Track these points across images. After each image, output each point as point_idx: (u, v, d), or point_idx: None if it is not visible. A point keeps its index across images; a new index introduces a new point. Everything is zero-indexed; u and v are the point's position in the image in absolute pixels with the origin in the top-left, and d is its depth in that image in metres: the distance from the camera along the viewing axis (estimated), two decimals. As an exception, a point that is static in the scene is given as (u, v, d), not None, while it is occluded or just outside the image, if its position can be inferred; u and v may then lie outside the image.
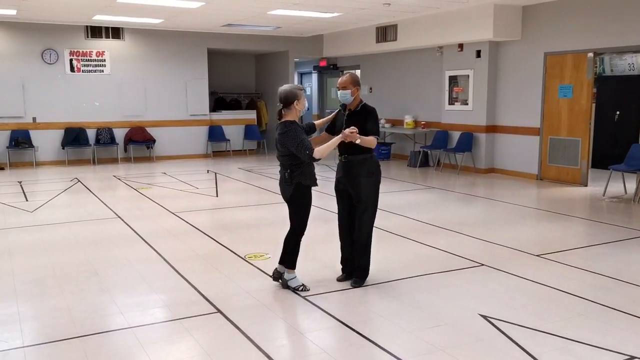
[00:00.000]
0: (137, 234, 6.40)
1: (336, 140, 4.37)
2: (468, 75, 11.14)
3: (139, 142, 13.14)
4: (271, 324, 3.97)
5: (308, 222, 4.53)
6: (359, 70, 14.94)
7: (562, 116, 9.71)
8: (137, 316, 4.03)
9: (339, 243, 4.83)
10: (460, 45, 11.19)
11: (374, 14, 10.93)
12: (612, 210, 7.79)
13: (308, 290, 4.48)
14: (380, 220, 6.99)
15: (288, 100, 4.32)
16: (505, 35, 10.13)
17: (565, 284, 4.65)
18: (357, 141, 4.29)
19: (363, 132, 4.35)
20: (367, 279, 4.74)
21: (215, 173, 11.33)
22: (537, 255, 5.52)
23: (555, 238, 6.31)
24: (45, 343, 3.61)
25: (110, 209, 7.77)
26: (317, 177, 4.54)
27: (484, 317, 3.98)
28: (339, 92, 4.54)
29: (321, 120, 4.93)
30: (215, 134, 14.20)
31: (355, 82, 4.50)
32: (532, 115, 10.23)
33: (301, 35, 14.47)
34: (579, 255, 5.59)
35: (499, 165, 11.01)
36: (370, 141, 4.38)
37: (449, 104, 11.65)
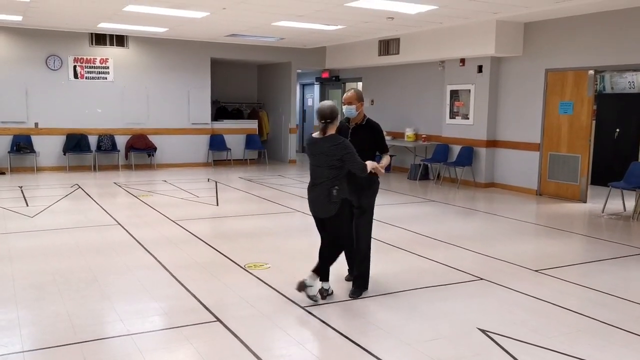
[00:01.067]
0: (137, 242, 6.41)
1: (385, 162, 4.68)
2: (469, 90, 11.21)
3: (141, 149, 13.17)
4: (270, 333, 3.98)
5: (316, 232, 4.68)
6: (361, 83, 15.04)
7: (562, 132, 9.77)
8: (136, 323, 4.04)
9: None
10: (462, 60, 11.27)
11: (377, 27, 11.02)
12: (611, 227, 7.82)
13: (316, 302, 4.50)
14: (380, 232, 7.03)
15: (334, 115, 4.41)
16: (507, 51, 10.21)
17: (563, 300, 4.67)
18: (382, 171, 4.58)
19: (370, 144, 4.68)
20: (367, 289, 4.75)
21: (216, 182, 11.35)
22: (535, 271, 5.53)
23: (554, 254, 6.33)
24: (45, 348, 3.62)
25: (111, 216, 7.79)
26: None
27: (483, 331, 3.99)
28: (344, 107, 4.72)
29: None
30: (217, 142, 14.24)
31: (359, 98, 4.71)
32: (532, 131, 10.28)
33: (304, 47, 14.57)
34: (577, 272, 5.61)
35: (499, 180, 11.05)
36: (388, 161, 4.74)
37: (450, 117, 11.71)
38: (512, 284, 5.06)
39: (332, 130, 4.42)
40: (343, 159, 4.32)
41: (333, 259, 4.59)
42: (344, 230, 4.55)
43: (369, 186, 4.68)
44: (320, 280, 4.57)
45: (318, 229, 4.64)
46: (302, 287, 4.46)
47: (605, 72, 11.13)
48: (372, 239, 4.85)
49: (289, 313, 4.33)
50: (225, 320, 4.11)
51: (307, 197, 4.58)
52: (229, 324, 4.04)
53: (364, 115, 4.76)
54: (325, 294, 4.59)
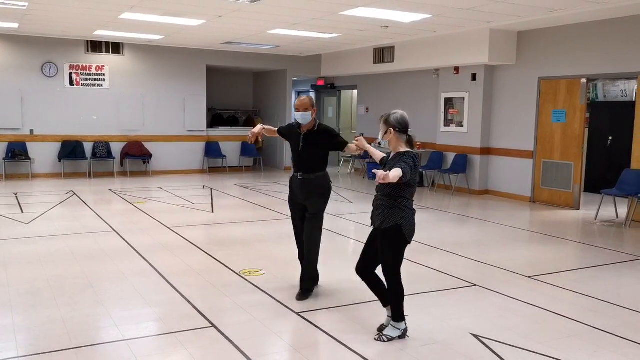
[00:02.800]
0: (133, 248, 6.42)
1: (374, 150, 4.30)
2: (463, 98, 11.29)
3: (136, 156, 13.18)
4: (265, 339, 4.00)
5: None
6: (356, 91, 15.12)
7: (556, 140, 9.84)
8: (131, 329, 4.05)
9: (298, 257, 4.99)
10: (456, 68, 11.35)
11: (372, 35, 11.10)
12: (603, 234, 7.87)
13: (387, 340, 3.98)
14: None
15: (405, 127, 3.99)
16: (501, 59, 10.30)
17: (556, 306, 4.70)
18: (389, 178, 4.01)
19: (325, 148, 4.73)
20: (362, 296, 4.78)
21: (211, 189, 11.37)
22: (529, 277, 5.57)
23: (547, 260, 6.37)
24: (40, 354, 3.63)
25: (106, 223, 7.80)
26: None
27: (476, 336, 4.02)
28: (299, 114, 4.67)
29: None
30: (212, 150, 14.27)
31: (314, 104, 4.75)
32: (526, 139, 10.35)
33: (299, 55, 14.64)
34: (570, 278, 5.65)
35: (493, 187, 11.11)
36: (378, 154, 4.33)
37: (445, 125, 11.78)
38: (506, 290, 5.09)
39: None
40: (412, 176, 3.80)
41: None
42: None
43: (323, 192, 4.77)
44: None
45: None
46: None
47: (598, 80, 11.23)
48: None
49: (283, 319, 4.35)
50: (220, 326, 4.13)
51: (411, 222, 3.91)
52: (224, 330, 4.06)
53: (315, 120, 4.76)
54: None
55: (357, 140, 4.36)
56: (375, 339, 3.93)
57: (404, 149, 3.92)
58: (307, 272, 4.81)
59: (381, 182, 3.55)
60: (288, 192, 5.01)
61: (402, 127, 3.91)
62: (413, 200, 3.94)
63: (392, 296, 3.99)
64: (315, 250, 4.82)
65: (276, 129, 5.19)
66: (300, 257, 4.96)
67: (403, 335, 3.96)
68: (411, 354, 3.70)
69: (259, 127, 5.07)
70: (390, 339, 3.92)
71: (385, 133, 3.94)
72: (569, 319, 4.42)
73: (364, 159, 13.88)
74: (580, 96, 9.42)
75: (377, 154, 4.24)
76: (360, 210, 8.91)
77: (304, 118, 4.69)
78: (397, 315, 3.96)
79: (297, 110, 4.70)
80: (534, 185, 10.28)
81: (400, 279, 3.97)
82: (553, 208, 9.76)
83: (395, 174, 3.58)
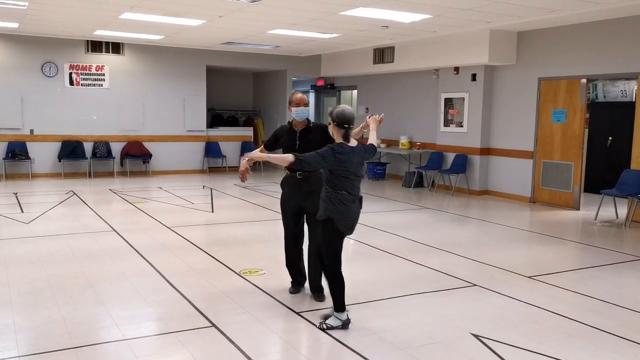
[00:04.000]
0: (133, 248, 6.43)
1: (373, 134, 4.43)
2: (463, 98, 11.30)
3: (136, 156, 13.18)
4: (265, 339, 4.00)
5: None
6: (356, 91, 15.12)
7: (556, 140, 9.85)
8: (132, 329, 4.06)
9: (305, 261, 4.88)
10: (456, 69, 11.36)
11: (372, 35, 11.11)
12: (603, 234, 7.88)
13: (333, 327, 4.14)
14: (374, 238, 7.08)
15: (352, 121, 4.17)
16: (501, 59, 10.30)
17: (556, 306, 4.71)
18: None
19: (320, 145, 4.31)
20: (363, 296, 4.79)
21: (211, 189, 11.37)
22: (529, 277, 5.58)
23: (547, 260, 6.38)
24: (40, 353, 3.63)
25: (106, 222, 7.80)
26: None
27: (476, 336, 4.02)
28: (298, 109, 4.62)
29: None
30: (212, 150, 14.27)
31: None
32: (525, 139, 10.36)
33: (299, 55, 14.65)
34: (570, 278, 5.65)
35: (493, 188, 11.12)
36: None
37: (444, 125, 11.78)
38: (506, 290, 5.10)
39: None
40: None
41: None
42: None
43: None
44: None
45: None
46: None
47: (598, 80, 11.24)
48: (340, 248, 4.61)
49: (283, 319, 4.35)
50: (221, 326, 4.13)
51: (345, 215, 4.07)
52: (224, 330, 4.06)
53: (307, 118, 4.72)
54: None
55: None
56: (317, 327, 4.10)
57: (339, 141, 4.13)
58: (318, 275, 4.69)
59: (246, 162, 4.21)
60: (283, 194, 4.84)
61: (339, 121, 4.11)
62: (353, 194, 4.10)
63: (331, 286, 4.14)
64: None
65: (261, 148, 4.90)
66: (289, 263, 4.89)
67: (345, 325, 4.07)
68: (412, 354, 3.71)
69: (244, 163, 4.62)
70: (330, 328, 4.05)
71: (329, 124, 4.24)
72: (569, 319, 4.43)
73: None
74: (580, 96, 9.43)
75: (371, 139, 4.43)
76: (362, 210, 8.88)
77: (303, 113, 4.65)
78: (338, 305, 4.10)
79: (297, 105, 4.64)
80: (533, 185, 10.29)
81: (339, 269, 4.13)
82: (553, 208, 9.77)
83: (279, 156, 4.15)
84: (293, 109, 4.68)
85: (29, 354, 3.62)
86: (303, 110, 4.66)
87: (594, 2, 7.66)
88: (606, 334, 4.13)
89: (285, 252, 4.91)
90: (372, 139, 4.39)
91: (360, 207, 4.23)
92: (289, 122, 4.80)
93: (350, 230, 4.16)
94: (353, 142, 4.17)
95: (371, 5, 8.15)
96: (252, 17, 9.24)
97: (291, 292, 4.89)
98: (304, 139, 4.65)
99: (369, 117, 4.49)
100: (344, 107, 4.24)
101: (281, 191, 4.90)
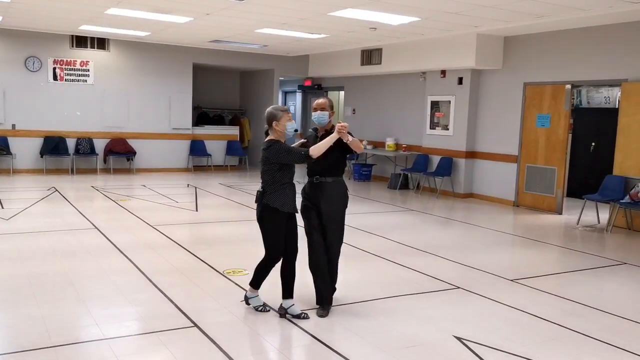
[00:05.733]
0: (115, 246, 6.35)
1: (331, 138, 4.31)
2: (450, 101, 11.35)
3: (120, 153, 13.05)
4: (248, 339, 3.98)
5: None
6: (343, 92, 15.13)
7: (540, 145, 9.93)
8: (112, 328, 4.00)
9: (316, 271, 4.53)
10: (443, 72, 11.41)
11: (360, 37, 11.11)
12: (585, 239, 7.95)
13: (268, 310, 4.40)
14: (359, 240, 7.08)
15: (268, 120, 4.31)
16: (487, 64, 10.37)
17: (538, 309, 4.74)
18: (349, 140, 4.34)
19: (340, 151, 4.44)
20: (346, 297, 4.79)
21: (196, 188, 11.30)
22: (511, 280, 5.61)
23: (530, 264, 6.42)
24: (19, 352, 3.57)
25: (88, 220, 7.71)
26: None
27: (459, 338, 4.03)
28: (316, 114, 4.53)
29: (296, 144, 4.73)
30: (197, 148, 14.18)
31: (332, 106, 4.60)
32: (510, 143, 10.43)
33: (287, 55, 14.61)
34: (552, 282, 5.70)
35: (477, 191, 11.18)
36: (357, 143, 4.43)
37: (430, 128, 11.83)
38: (489, 293, 5.12)
39: (271, 136, 4.31)
40: (277, 160, 4.20)
41: (257, 268, 4.42)
42: (267, 241, 4.35)
43: (340, 198, 4.56)
44: (283, 297, 4.39)
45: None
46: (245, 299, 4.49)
47: (582, 86, 11.35)
48: (341, 248, 4.67)
49: (267, 319, 4.33)
50: (203, 326, 4.09)
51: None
52: (207, 330, 4.03)
53: (331, 123, 4.61)
54: (283, 312, 4.37)
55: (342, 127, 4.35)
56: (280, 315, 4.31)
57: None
58: (333, 280, 4.60)
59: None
60: (302, 200, 4.62)
61: (267, 121, 4.33)
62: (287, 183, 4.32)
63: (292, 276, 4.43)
64: (337, 259, 4.64)
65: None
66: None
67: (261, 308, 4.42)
68: (395, 356, 3.70)
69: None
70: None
71: None
72: (550, 322, 4.46)
73: (351, 159, 13.90)
74: (565, 102, 9.52)
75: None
76: (347, 212, 8.87)
77: (321, 118, 4.52)
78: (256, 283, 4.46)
79: (315, 110, 4.54)
80: (517, 189, 10.36)
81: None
82: (536, 212, 9.85)
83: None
84: (313, 113, 4.59)
85: (7, 353, 3.55)
86: (320, 115, 4.50)
87: (580, 9, 7.74)
88: (587, 338, 4.16)
89: (314, 259, 4.59)
90: (356, 142, 4.45)
91: (256, 201, 4.41)
92: (314, 128, 4.69)
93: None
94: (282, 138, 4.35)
95: (360, 7, 8.15)
96: (240, 15, 9.19)
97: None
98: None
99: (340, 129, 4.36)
100: (268, 108, 4.38)
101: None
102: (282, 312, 4.34)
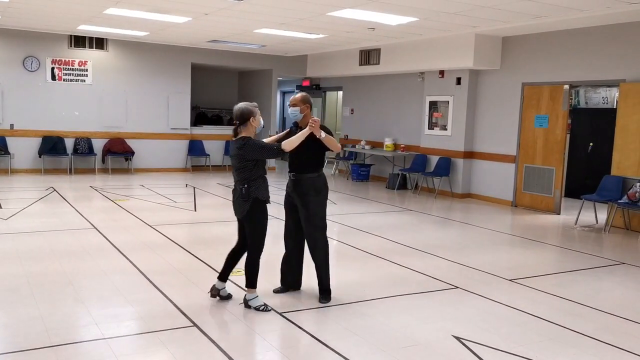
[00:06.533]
0: (114, 246, 6.35)
1: (302, 133, 4.46)
2: (448, 102, 11.36)
3: (118, 153, 13.04)
4: (247, 339, 3.98)
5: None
6: (341, 92, 15.14)
7: (538, 145, 9.95)
8: (112, 327, 4.00)
9: (283, 255, 4.93)
10: (441, 72, 11.42)
11: (358, 37, 11.12)
12: (583, 239, 7.97)
13: (269, 310, 4.43)
14: (357, 240, 7.09)
15: (244, 117, 4.40)
16: (485, 64, 10.39)
17: (536, 309, 4.75)
18: (322, 136, 4.45)
19: (318, 147, 4.57)
20: (345, 297, 4.80)
21: (194, 187, 11.29)
22: (510, 280, 5.62)
23: (528, 264, 6.43)
24: (19, 352, 3.57)
25: (87, 220, 7.70)
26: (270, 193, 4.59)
27: (457, 338, 4.04)
28: (289, 110, 4.69)
29: (274, 137, 4.89)
30: (196, 148, 14.18)
31: (304, 101, 4.67)
32: (508, 143, 10.45)
33: (285, 55, 14.62)
34: (550, 282, 5.71)
35: (475, 191, 11.19)
36: (333, 141, 4.55)
37: (429, 128, 11.84)
38: (487, 293, 5.13)
39: (244, 133, 4.40)
40: (252, 157, 4.32)
41: (250, 267, 4.47)
42: (257, 234, 4.45)
43: (315, 194, 4.63)
44: (218, 278, 4.64)
45: (238, 230, 4.65)
46: (244, 303, 4.51)
47: (580, 87, 11.38)
48: (329, 245, 4.79)
49: (265, 319, 4.33)
50: (202, 325, 4.10)
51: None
52: (206, 329, 4.03)
53: (308, 118, 4.66)
54: (214, 291, 4.59)
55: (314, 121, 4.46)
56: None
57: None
58: (321, 278, 4.74)
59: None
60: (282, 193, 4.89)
61: (241, 117, 4.43)
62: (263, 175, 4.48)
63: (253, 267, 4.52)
64: (320, 256, 4.70)
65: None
66: (285, 261, 4.91)
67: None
68: (393, 355, 3.71)
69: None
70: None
71: None
72: (549, 322, 4.47)
73: (349, 159, 13.91)
74: (563, 102, 9.54)
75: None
76: (344, 212, 8.92)
77: (292, 114, 4.66)
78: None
79: (289, 106, 4.70)
80: (515, 189, 10.38)
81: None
82: (534, 212, 9.87)
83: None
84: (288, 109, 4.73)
85: (6, 352, 3.55)
86: (292, 110, 4.66)
87: (579, 10, 7.76)
88: (585, 337, 4.18)
89: (285, 248, 4.95)
90: (330, 139, 4.57)
91: (234, 195, 4.50)
92: (294, 122, 4.76)
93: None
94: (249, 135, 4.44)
95: (359, 7, 8.16)
96: (238, 15, 9.19)
97: (275, 292, 4.88)
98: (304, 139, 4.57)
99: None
100: (237, 105, 4.49)
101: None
102: (215, 293, 4.59)
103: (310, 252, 4.74)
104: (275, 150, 4.39)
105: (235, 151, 4.39)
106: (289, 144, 4.41)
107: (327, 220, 4.78)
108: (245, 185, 4.35)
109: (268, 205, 4.48)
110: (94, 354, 3.60)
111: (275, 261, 5.08)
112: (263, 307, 4.44)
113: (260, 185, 4.39)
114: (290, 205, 4.80)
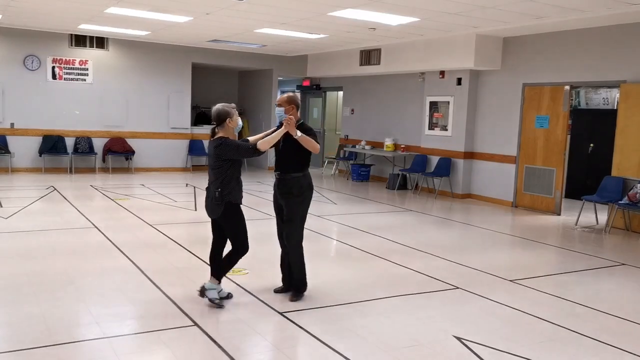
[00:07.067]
0: (114, 245, 6.35)
1: (279, 132, 4.50)
2: (448, 102, 11.37)
3: (118, 152, 13.04)
4: (248, 338, 3.98)
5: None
6: (342, 92, 15.14)
7: (538, 146, 9.95)
8: (113, 326, 4.01)
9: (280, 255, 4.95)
10: (442, 72, 11.43)
11: (359, 37, 11.12)
12: (583, 240, 7.98)
13: (222, 307, 4.46)
14: (357, 240, 7.09)
15: (221, 118, 4.45)
16: (486, 64, 10.39)
17: (537, 310, 4.75)
18: (297, 135, 4.47)
19: (300, 145, 4.57)
20: (346, 297, 4.79)
21: (195, 187, 11.29)
22: (510, 281, 5.63)
23: (529, 264, 6.44)
24: (20, 350, 3.57)
25: (87, 219, 7.70)
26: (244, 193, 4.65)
27: (458, 338, 4.05)
28: (276, 109, 4.73)
29: (258, 135, 4.86)
30: (196, 147, 14.18)
31: (290, 102, 4.70)
32: (509, 144, 10.46)
33: (286, 55, 14.62)
34: (551, 282, 5.71)
35: (476, 191, 11.20)
36: (310, 141, 4.55)
37: (429, 129, 11.84)
38: (488, 293, 5.14)
39: (221, 133, 4.45)
40: (228, 157, 4.36)
41: (226, 262, 4.56)
42: (238, 236, 4.50)
43: (297, 194, 4.64)
44: (216, 278, 4.62)
45: (212, 229, 4.67)
46: (201, 290, 4.54)
47: (581, 88, 11.38)
48: (303, 247, 4.79)
49: (267, 318, 4.34)
50: (203, 325, 4.10)
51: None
52: (207, 329, 4.04)
53: (299, 119, 4.70)
54: (203, 291, 4.58)
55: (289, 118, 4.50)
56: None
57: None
58: (293, 275, 4.78)
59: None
60: (272, 192, 4.95)
61: (218, 118, 4.49)
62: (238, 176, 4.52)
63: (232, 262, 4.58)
64: (296, 255, 4.73)
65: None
66: (283, 260, 4.92)
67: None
68: (395, 356, 3.72)
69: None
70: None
71: None
72: (549, 322, 4.48)
73: (349, 160, 13.91)
74: (564, 103, 9.55)
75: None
76: (344, 212, 8.92)
77: (278, 114, 4.68)
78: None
79: (276, 106, 4.74)
80: (516, 190, 10.38)
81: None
82: (534, 213, 9.87)
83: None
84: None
85: (7, 351, 3.56)
86: (277, 110, 4.69)
87: (580, 10, 7.76)
88: (586, 338, 4.18)
89: (281, 247, 4.97)
90: (306, 139, 4.57)
91: (207, 195, 4.55)
92: (280, 122, 4.75)
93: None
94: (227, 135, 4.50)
95: (360, 7, 8.16)
96: (239, 15, 9.20)
97: (276, 291, 4.88)
98: (287, 140, 4.60)
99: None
100: (216, 105, 4.55)
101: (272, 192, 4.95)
102: (202, 291, 4.54)
103: (288, 250, 4.76)
104: (250, 150, 4.41)
105: (212, 151, 4.46)
106: (264, 143, 4.43)
107: (307, 221, 4.81)
108: (219, 189, 4.40)
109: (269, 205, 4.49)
110: (95, 353, 3.60)
111: (278, 261, 5.09)
112: (217, 301, 4.47)
113: (233, 188, 4.44)
114: (278, 205, 4.83)
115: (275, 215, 4.92)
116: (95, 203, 9.24)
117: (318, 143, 4.68)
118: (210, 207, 4.51)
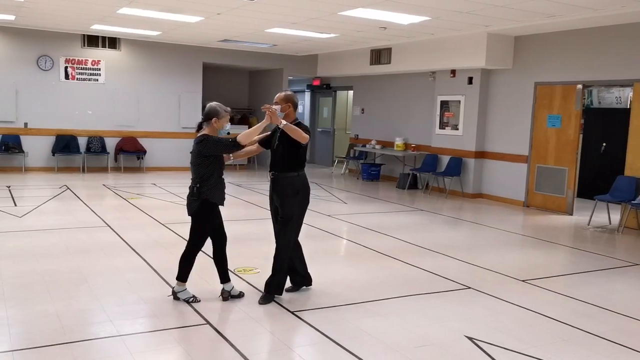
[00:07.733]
0: (127, 243, 6.40)
1: (259, 125, 4.50)
2: (459, 101, 11.33)
3: (130, 152, 13.13)
4: (260, 337, 4.00)
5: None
6: (352, 92, 15.14)
7: (550, 145, 9.90)
8: (126, 325, 4.04)
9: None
10: (453, 71, 11.39)
11: (369, 36, 11.12)
12: (596, 240, 7.92)
13: (199, 301, 4.52)
14: (368, 240, 7.09)
15: (208, 115, 4.48)
16: (497, 63, 10.34)
17: (549, 310, 4.73)
18: (282, 124, 4.39)
19: (297, 145, 4.51)
20: (357, 296, 4.80)
21: (205, 186, 11.32)
22: (522, 281, 5.60)
23: (540, 264, 6.41)
24: (34, 348, 3.61)
25: (100, 218, 7.77)
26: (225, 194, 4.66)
27: (470, 338, 4.04)
28: (273, 107, 4.61)
29: (245, 131, 4.82)
30: (207, 147, 14.21)
31: (286, 100, 4.65)
32: (520, 143, 10.40)
33: (296, 54, 14.64)
34: (563, 282, 5.68)
35: (487, 191, 11.15)
36: (296, 131, 4.41)
37: (440, 128, 11.81)
38: (499, 293, 5.12)
39: (205, 131, 4.47)
40: (209, 153, 4.37)
41: (184, 262, 4.60)
42: (197, 233, 4.56)
43: (292, 194, 4.58)
44: (222, 282, 4.66)
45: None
46: (173, 295, 4.59)
47: (593, 87, 11.30)
48: (291, 248, 4.74)
49: (278, 317, 4.35)
50: (215, 324, 4.13)
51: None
52: (219, 327, 4.06)
53: (295, 118, 4.66)
54: (227, 295, 4.63)
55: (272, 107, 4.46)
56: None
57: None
58: (272, 276, 4.68)
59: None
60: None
61: (206, 115, 4.53)
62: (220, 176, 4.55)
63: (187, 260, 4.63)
64: (281, 258, 4.65)
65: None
66: (290, 259, 4.88)
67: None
68: (406, 355, 3.72)
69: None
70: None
71: None
72: (562, 323, 4.45)
73: (359, 159, 13.90)
74: (576, 102, 9.48)
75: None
76: (354, 211, 8.92)
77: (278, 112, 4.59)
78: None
79: (273, 103, 4.66)
80: (527, 189, 10.33)
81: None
82: (546, 213, 9.81)
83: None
84: None
85: (21, 349, 3.60)
86: (274, 108, 4.57)
87: (592, 9, 7.71)
88: (599, 339, 4.16)
89: None
90: (292, 128, 4.48)
91: (192, 196, 4.51)
92: None
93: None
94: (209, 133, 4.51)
95: (370, 6, 8.16)
96: (250, 15, 9.23)
97: (287, 291, 4.89)
98: (281, 139, 4.59)
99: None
100: (211, 102, 4.58)
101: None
102: (226, 295, 4.61)
103: (275, 249, 4.69)
104: (230, 143, 4.39)
105: (194, 147, 4.48)
106: (244, 136, 4.38)
107: (303, 224, 4.78)
108: (198, 185, 4.41)
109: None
110: (109, 350, 3.64)
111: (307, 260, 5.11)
112: (192, 299, 4.53)
113: (213, 186, 4.44)
114: (273, 206, 4.75)
115: (272, 220, 4.82)
116: (108, 202, 9.31)
117: (309, 135, 4.54)
118: (187, 203, 4.55)
